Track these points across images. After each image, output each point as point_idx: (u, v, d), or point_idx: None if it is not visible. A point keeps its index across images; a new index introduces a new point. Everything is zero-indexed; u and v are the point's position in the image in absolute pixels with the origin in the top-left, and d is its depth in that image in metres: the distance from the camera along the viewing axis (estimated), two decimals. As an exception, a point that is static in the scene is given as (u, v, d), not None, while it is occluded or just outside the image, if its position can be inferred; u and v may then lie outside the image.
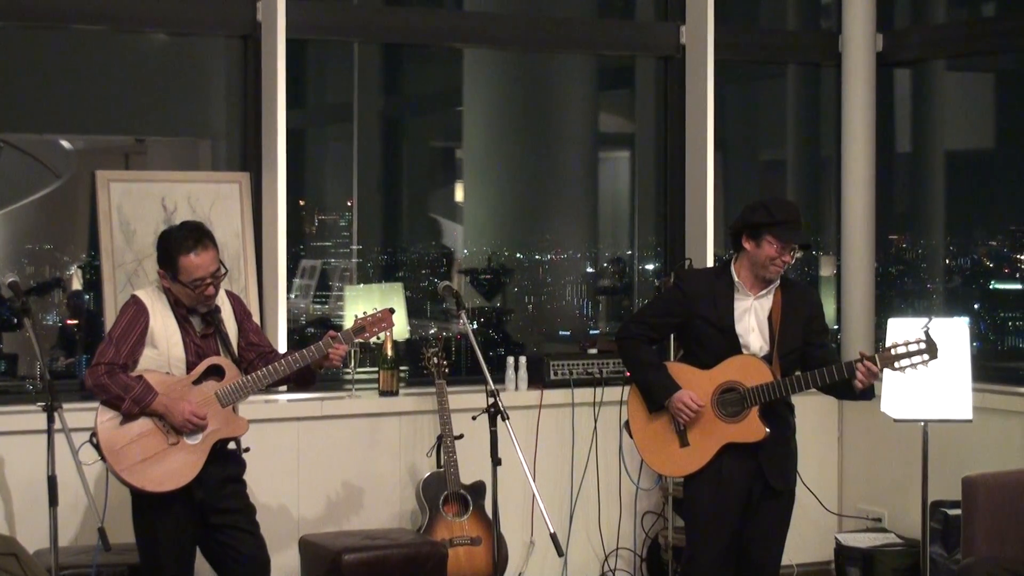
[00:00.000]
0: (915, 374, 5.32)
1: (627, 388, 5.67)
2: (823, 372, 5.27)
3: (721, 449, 5.38)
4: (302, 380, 5.45)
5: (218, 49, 7.18)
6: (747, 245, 5.36)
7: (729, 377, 5.38)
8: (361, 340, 5.43)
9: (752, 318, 5.41)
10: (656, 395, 5.46)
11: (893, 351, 5.27)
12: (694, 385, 5.41)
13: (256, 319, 6.08)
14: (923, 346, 5.25)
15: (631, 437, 5.60)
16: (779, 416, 5.43)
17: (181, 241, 5.18)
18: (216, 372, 5.25)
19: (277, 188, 6.69)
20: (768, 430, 5.34)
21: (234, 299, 5.47)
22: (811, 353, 5.42)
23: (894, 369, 5.29)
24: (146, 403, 5.12)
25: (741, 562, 5.49)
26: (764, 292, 5.41)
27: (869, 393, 5.40)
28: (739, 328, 5.40)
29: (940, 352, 5.28)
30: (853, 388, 5.30)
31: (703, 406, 5.39)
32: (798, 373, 5.32)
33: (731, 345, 5.39)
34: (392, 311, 5.44)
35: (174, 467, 5.15)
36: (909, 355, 5.25)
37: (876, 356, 5.29)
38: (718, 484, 5.39)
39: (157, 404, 5.12)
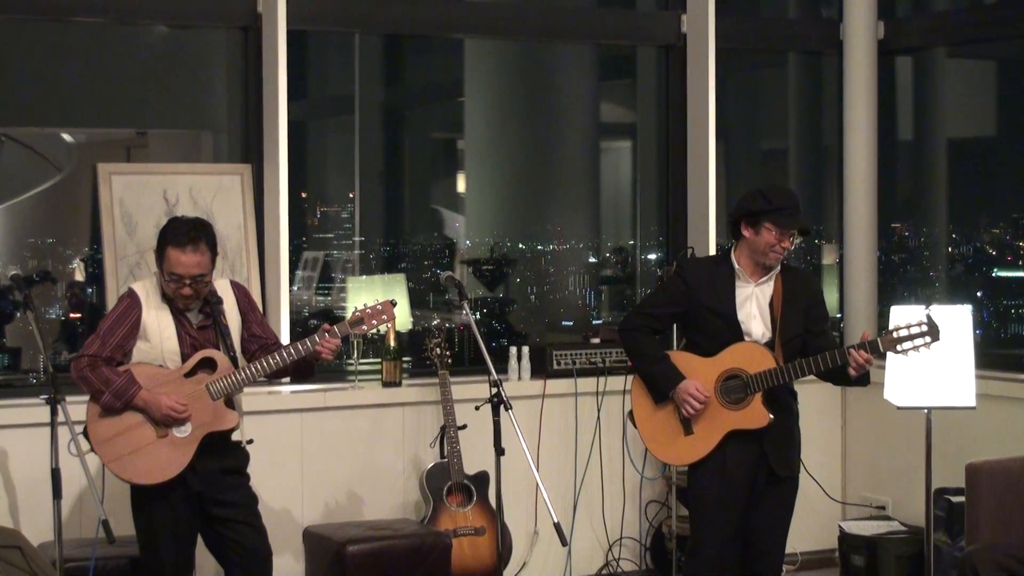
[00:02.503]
0: (917, 357, 5.35)
1: (630, 377, 5.67)
2: (825, 358, 5.28)
3: (725, 436, 5.39)
4: (300, 373, 5.44)
5: (219, 41, 7.18)
6: (746, 233, 5.38)
7: (732, 364, 5.39)
8: (359, 332, 5.41)
9: (753, 305, 5.43)
10: (661, 386, 5.46)
11: (896, 334, 5.29)
12: (697, 373, 5.42)
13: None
14: (925, 329, 5.27)
15: (635, 427, 5.61)
16: (782, 403, 5.44)
17: (178, 233, 5.16)
18: (209, 365, 5.23)
19: (279, 180, 6.69)
20: (772, 416, 5.35)
21: (238, 289, 5.45)
22: (810, 340, 5.44)
23: (897, 352, 5.31)
24: (128, 397, 5.10)
25: (746, 550, 5.49)
26: (765, 279, 5.42)
27: (865, 380, 5.41)
28: (741, 315, 5.41)
29: (942, 335, 5.29)
30: (849, 375, 5.32)
31: (709, 397, 5.40)
32: (800, 359, 5.33)
33: (733, 332, 5.40)
34: (393, 303, 5.42)
35: (162, 460, 5.14)
36: (911, 338, 5.28)
37: (879, 340, 5.30)
38: (722, 472, 5.40)
39: (138, 399, 5.11)
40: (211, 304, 5.27)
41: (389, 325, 6.39)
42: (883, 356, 5.43)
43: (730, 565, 5.47)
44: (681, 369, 5.44)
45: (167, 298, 5.23)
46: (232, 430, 5.30)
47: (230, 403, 5.29)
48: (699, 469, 5.47)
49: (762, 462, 5.40)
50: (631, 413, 5.63)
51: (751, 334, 5.41)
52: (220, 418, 5.23)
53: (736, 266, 5.44)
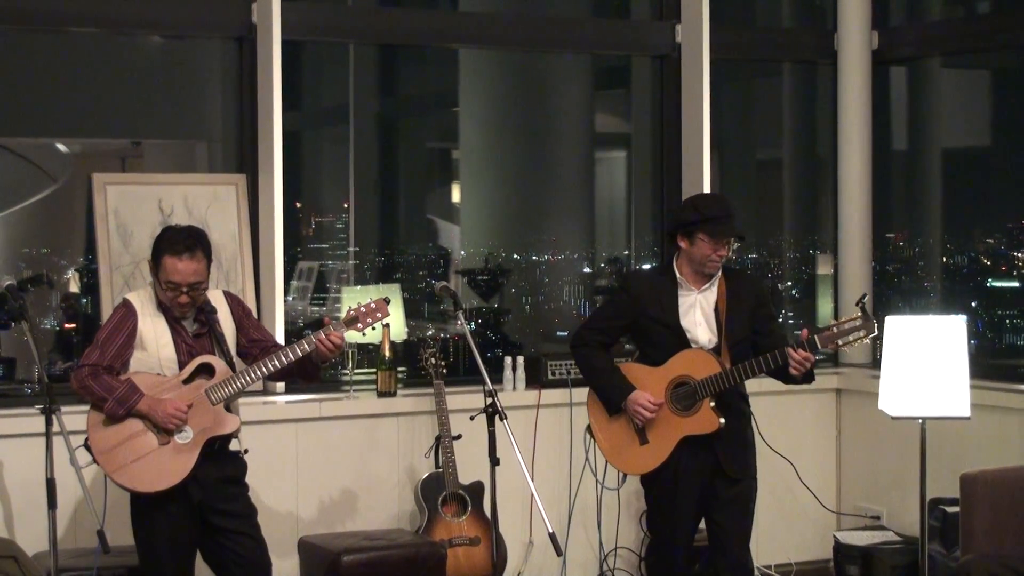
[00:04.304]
0: (853, 350, 5.51)
1: (584, 391, 5.77)
2: (767, 358, 5.34)
3: (679, 443, 5.44)
4: (304, 374, 5.40)
5: (214, 51, 7.18)
6: (682, 244, 5.47)
7: (680, 371, 5.46)
8: (355, 331, 5.40)
9: (698, 312, 5.50)
10: (613, 398, 5.58)
11: (833, 330, 5.33)
12: (648, 383, 5.50)
13: (254, 319, 6.07)
14: (859, 322, 5.30)
15: (594, 439, 5.69)
16: (733, 406, 5.51)
17: (174, 241, 5.18)
18: (207, 370, 5.23)
19: (273, 190, 6.69)
20: (722, 420, 5.41)
21: (231, 299, 5.46)
22: (760, 341, 5.50)
23: (834, 348, 5.40)
24: (130, 404, 5.10)
25: (716, 556, 5.56)
26: (707, 285, 5.50)
27: (810, 377, 5.44)
28: (685, 323, 5.49)
29: (876, 327, 5.34)
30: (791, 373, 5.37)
31: (661, 405, 5.44)
32: (744, 362, 5.38)
33: (680, 341, 5.49)
34: (387, 300, 5.40)
35: (165, 467, 5.14)
36: (847, 332, 5.32)
37: (816, 337, 5.33)
38: (675, 478, 5.49)
39: (141, 404, 5.11)
40: (206, 312, 5.27)
41: (385, 329, 6.42)
42: (823, 353, 5.47)
43: (688, 567, 5.58)
44: (631, 380, 5.54)
45: (162, 307, 5.24)
46: (233, 434, 5.30)
47: (230, 409, 5.29)
48: (655, 477, 5.56)
49: (717, 468, 5.48)
50: (588, 427, 5.75)
51: (697, 341, 5.49)
52: (221, 422, 5.23)
53: (678, 275, 5.49)
